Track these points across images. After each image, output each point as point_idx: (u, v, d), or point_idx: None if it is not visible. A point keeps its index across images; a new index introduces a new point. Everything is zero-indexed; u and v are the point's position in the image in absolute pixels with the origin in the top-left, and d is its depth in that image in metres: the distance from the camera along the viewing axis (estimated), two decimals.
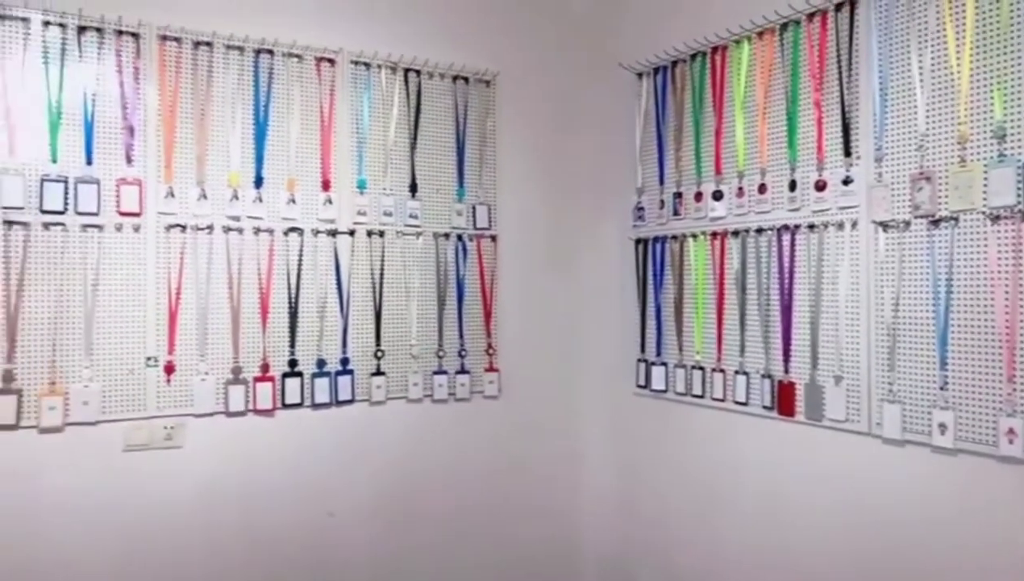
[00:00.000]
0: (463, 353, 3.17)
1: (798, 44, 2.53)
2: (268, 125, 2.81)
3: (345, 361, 2.92)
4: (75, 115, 2.50)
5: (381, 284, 3.00)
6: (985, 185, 2.01)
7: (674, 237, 3.01)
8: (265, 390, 2.77)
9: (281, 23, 2.84)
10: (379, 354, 2.99)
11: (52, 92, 2.47)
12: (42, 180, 2.44)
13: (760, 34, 2.65)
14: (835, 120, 2.41)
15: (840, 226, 2.38)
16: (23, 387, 2.41)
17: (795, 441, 2.52)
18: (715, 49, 2.83)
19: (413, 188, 3.07)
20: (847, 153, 2.37)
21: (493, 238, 3.25)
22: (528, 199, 3.36)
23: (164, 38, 2.64)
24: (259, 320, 2.77)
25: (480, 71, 3.23)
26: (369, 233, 2.98)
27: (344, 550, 2.93)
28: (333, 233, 2.91)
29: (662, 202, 3.06)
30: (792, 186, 2.54)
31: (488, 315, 3.23)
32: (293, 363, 2.82)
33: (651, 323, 3.12)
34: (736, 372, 2.73)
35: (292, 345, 2.83)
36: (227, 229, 2.73)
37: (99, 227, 2.52)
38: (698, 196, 2.90)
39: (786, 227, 2.56)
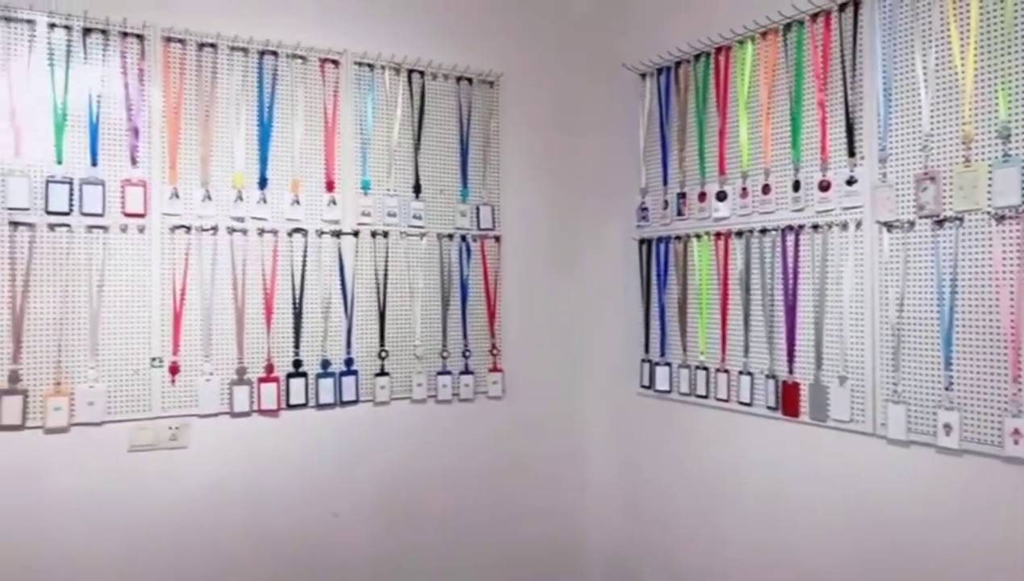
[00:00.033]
0: (467, 354, 3.17)
1: (802, 44, 2.53)
2: (272, 126, 2.81)
3: (349, 362, 2.92)
4: (80, 117, 2.51)
5: (385, 285, 3.01)
6: (990, 185, 2.01)
7: (678, 237, 3.01)
8: (269, 391, 2.77)
9: (285, 24, 2.84)
10: (383, 355, 2.99)
11: (57, 94, 2.48)
12: (47, 181, 2.45)
13: (764, 34, 2.65)
14: (839, 120, 2.40)
15: (844, 226, 2.38)
16: (29, 388, 2.42)
17: (799, 441, 2.52)
18: (719, 49, 2.83)
19: (417, 189, 3.08)
20: (851, 153, 2.36)
21: (497, 238, 3.26)
22: (532, 199, 3.37)
23: (168, 40, 2.64)
24: (263, 321, 2.78)
25: (484, 72, 3.23)
26: (373, 234, 2.99)
27: (348, 550, 2.93)
28: (337, 234, 2.92)
29: (666, 202, 3.06)
30: (796, 186, 2.53)
31: (492, 315, 3.24)
32: (297, 364, 2.83)
33: (655, 323, 3.12)
34: (740, 372, 2.73)
35: (296, 346, 2.83)
36: (231, 230, 2.73)
37: (104, 228, 2.53)
38: (702, 196, 2.90)
39: (790, 227, 2.56)
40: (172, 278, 2.63)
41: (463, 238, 3.17)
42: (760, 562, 2.66)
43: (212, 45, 2.72)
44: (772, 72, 2.63)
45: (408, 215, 3.05)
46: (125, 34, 2.58)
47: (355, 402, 2.93)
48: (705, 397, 2.88)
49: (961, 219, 2.07)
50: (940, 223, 2.12)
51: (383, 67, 3.02)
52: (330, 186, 2.90)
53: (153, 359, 2.60)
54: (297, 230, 2.84)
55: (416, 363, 3.07)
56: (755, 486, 2.69)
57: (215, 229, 2.70)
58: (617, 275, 3.35)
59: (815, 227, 2.47)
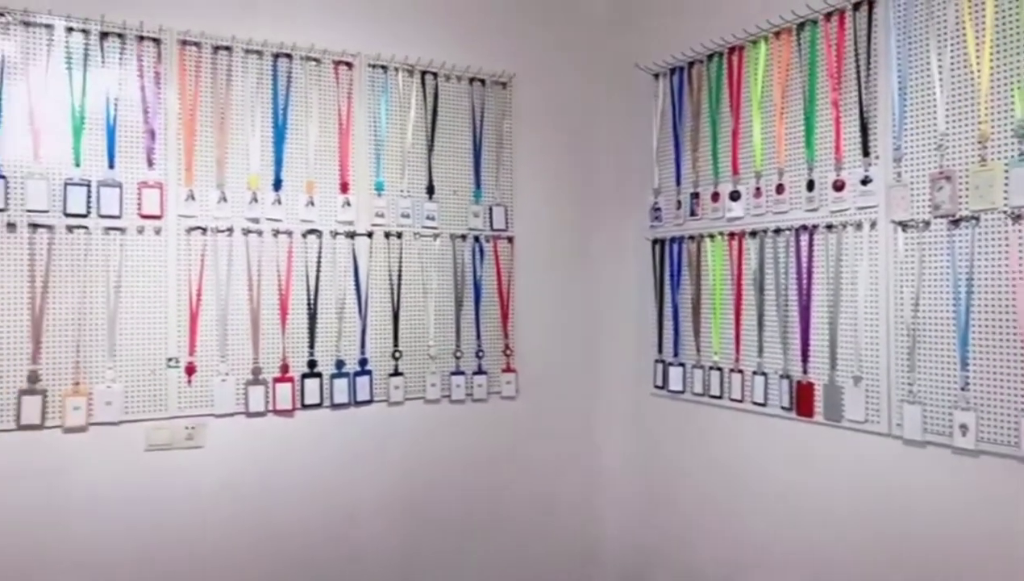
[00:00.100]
0: (480, 354, 3.18)
1: (815, 44, 2.52)
2: (287, 128, 2.83)
3: (364, 362, 2.94)
4: (97, 120, 2.54)
5: (399, 285, 3.02)
6: (1006, 184, 2.00)
7: (691, 237, 3.01)
8: (285, 391, 2.79)
9: (299, 27, 2.86)
10: (397, 355, 3.01)
11: (75, 97, 2.51)
12: (66, 183, 2.48)
13: (777, 34, 2.65)
14: (853, 120, 2.40)
15: (859, 226, 2.37)
16: (48, 388, 2.45)
17: (814, 442, 2.51)
18: (732, 49, 2.83)
19: (430, 190, 3.09)
20: (866, 153, 2.36)
21: (510, 239, 3.26)
22: (545, 200, 3.37)
23: (184, 43, 2.67)
24: (278, 321, 2.80)
25: (496, 73, 3.24)
26: (387, 235, 3.00)
27: (362, 548, 2.95)
28: (351, 235, 2.93)
29: (679, 202, 3.06)
30: (810, 186, 2.53)
31: (505, 316, 3.24)
32: (312, 364, 2.85)
33: (668, 324, 3.12)
34: (754, 373, 2.72)
35: (311, 346, 2.85)
36: (247, 231, 2.75)
37: (121, 230, 2.56)
38: (715, 196, 2.90)
39: (804, 227, 2.55)
40: (188, 279, 2.65)
41: (476, 239, 3.18)
42: (775, 563, 2.65)
43: (227, 48, 2.74)
44: (786, 72, 2.63)
45: (422, 216, 3.06)
46: (142, 38, 2.60)
47: (369, 402, 2.95)
48: (719, 397, 2.87)
49: (977, 218, 2.06)
50: (956, 223, 2.11)
51: (396, 69, 3.04)
52: (344, 187, 2.92)
53: (169, 359, 2.62)
54: (312, 231, 2.86)
55: (430, 363, 3.08)
56: (770, 487, 2.68)
57: (230, 230, 2.72)
58: (630, 275, 3.35)
59: (829, 227, 2.47)
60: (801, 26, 2.57)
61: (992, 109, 2.04)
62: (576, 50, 3.46)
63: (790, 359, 2.60)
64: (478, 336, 3.17)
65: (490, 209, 3.21)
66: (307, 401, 2.83)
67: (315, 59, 2.88)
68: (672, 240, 3.10)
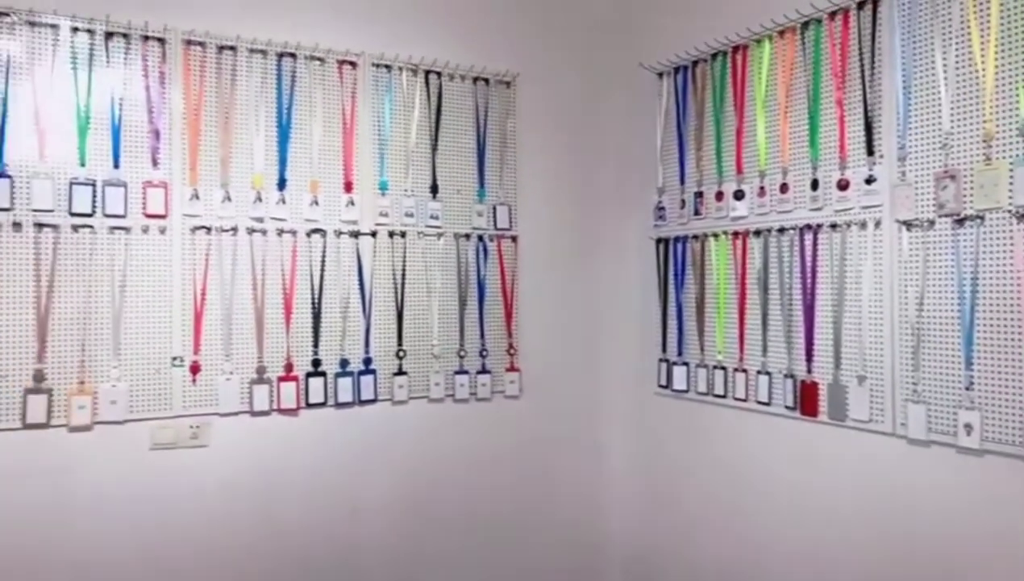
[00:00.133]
0: (484, 353, 3.18)
1: (820, 43, 2.52)
2: (291, 127, 2.83)
3: (368, 361, 2.94)
4: (103, 119, 2.55)
5: (403, 284, 3.02)
6: (1011, 183, 1.99)
7: (695, 237, 3.00)
8: (289, 390, 2.80)
9: (303, 27, 2.86)
10: (401, 354, 3.01)
11: (80, 97, 2.51)
12: (71, 183, 2.48)
13: (781, 33, 2.64)
14: (857, 119, 2.39)
15: (863, 225, 2.37)
16: (53, 387, 2.46)
17: (818, 441, 2.51)
18: (736, 48, 2.82)
19: (434, 189, 3.09)
20: (870, 152, 2.35)
21: (514, 238, 3.26)
22: (549, 199, 3.37)
23: (189, 43, 2.67)
24: (283, 320, 2.80)
25: (500, 72, 3.24)
26: (391, 234, 3.01)
27: (366, 547, 2.95)
28: (355, 234, 2.94)
29: (683, 202, 3.06)
30: (814, 185, 2.52)
31: (509, 315, 3.24)
32: (316, 363, 2.85)
33: (672, 323, 3.12)
34: (758, 372, 2.72)
35: (315, 345, 2.85)
36: (251, 230, 2.76)
37: (126, 229, 2.56)
38: (719, 196, 2.89)
39: (808, 226, 2.55)
40: (193, 278, 2.66)
41: (480, 238, 3.18)
42: (779, 562, 2.65)
43: (232, 48, 2.74)
44: (790, 71, 2.62)
45: (425, 215, 3.07)
46: (146, 37, 2.61)
47: (373, 401, 2.95)
48: (723, 397, 2.87)
49: (982, 218, 2.06)
50: (960, 222, 2.11)
51: (400, 68, 3.04)
52: (348, 187, 2.92)
53: (174, 358, 2.63)
54: (316, 230, 2.86)
55: (434, 362, 3.08)
56: (774, 486, 2.68)
57: (235, 230, 2.73)
58: (634, 275, 3.35)
59: (834, 226, 2.46)
60: (805, 25, 2.57)
61: (997, 108, 2.03)
62: (580, 49, 3.46)
63: (794, 358, 2.59)
64: (482, 335, 3.18)
65: (494, 208, 3.21)
66: (311, 400, 2.84)
67: (319, 59, 2.89)
68: (676, 239, 3.10)
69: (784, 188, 2.63)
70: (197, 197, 2.67)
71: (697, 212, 2.99)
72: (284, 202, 2.81)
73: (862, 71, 2.38)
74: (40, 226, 2.45)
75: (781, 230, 2.65)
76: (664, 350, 3.16)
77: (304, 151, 2.86)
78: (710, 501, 2.95)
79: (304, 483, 2.84)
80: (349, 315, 2.92)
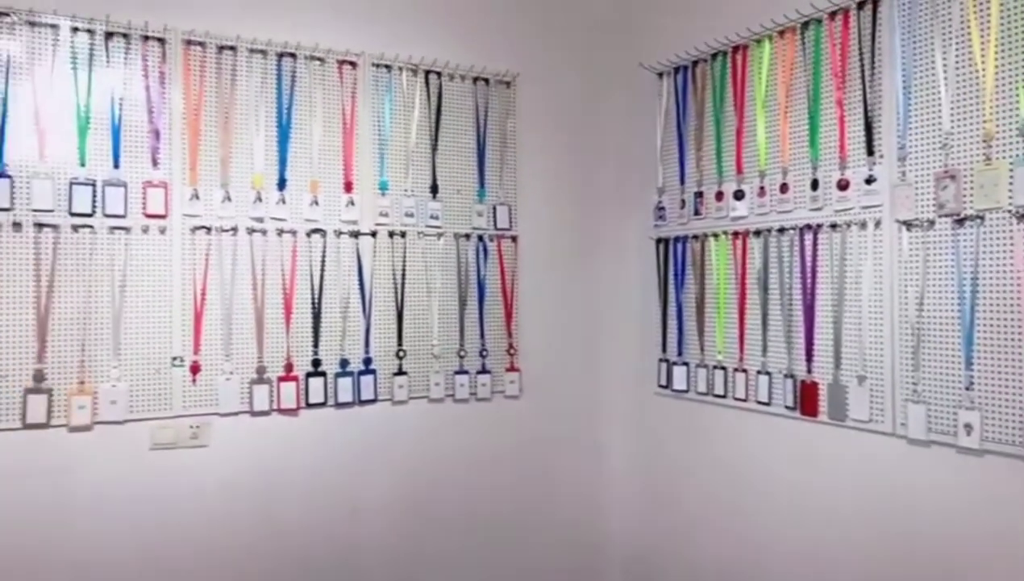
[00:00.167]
0: (484, 353, 3.18)
1: (820, 43, 2.52)
2: (291, 127, 2.83)
3: (368, 361, 2.94)
4: (103, 119, 2.55)
5: (403, 284, 3.02)
6: (1011, 183, 1.99)
7: (695, 237, 3.00)
8: (289, 390, 2.80)
9: (303, 27, 2.86)
10: (401, 354, 3.01)
11: (80, 97, 2.51)
12: (71, 183, 2.48)
13: (781, 33, 2.64)
14: (857, 119, 2.39)
15: (863, 225, 2.37)
16: (53, 387, 2.46)
17: (818, 441, 2.51)
18: (736, 48, 2.82)
19: (434, 189, 3.09)
20: (870, 152, 2.35)
21: (514, 238, 3.26)
22: (549, 199, 3.37)
23: (189, 43, 2.67)
24: (283, 320, 2.80)
25: (500, 72, 3.24)
26: (391, 234, 3.01)
27: (366, 547, 2.95)
28: (355, 234, 2.94)
29: (683, 202, 3.06)
30: (814, 185, 2.52)
31: (509, 315, 3.24)
32: (316, 363, 2.85)
33: (672, 323, 3.12)
34: (758, 372, 2.72)
35: (315, 345, 2.85)
36: (251, 230, 2.76)
37: (126, 229, 2.56)
38: (719, 196, 2.89)
39: (808, 226, 2.55)
40: (193, 278, 2.66)
41: (480, 238, 3.18)
42: (779, 562, 2.65)
43: (232, 48, 2.74)
44: (790, 71, 2.62)
45: (425, 215, 3.07)
46: (147, 37, 2.61)
47: (373, 401, 2.95)
48: (723, 397, 2.87)
49: (982, 218, 2.06)
50: (960, 222, 2.11)
51: (400, 68, 3.04)
52: (348, 187, 2.92)
53: (174, 358, 2.63)
54: (316, 230, 2.86)
55: (434, 362, 3.08)
56: (774, 486, 2.68)
57: (235, 230, 2.73)
58: (634, 275, 3.35)
59: (833, 226, 2.46)
60: (805, 25, 2.57)
61: (997, 108, 2.03)
62: (580, 49, 3.46)
63: (794, 358, 2.59)
64: (482, 335, 3.18)
65: (494, 208, 3.21)
66: (311, 400, 2.84)
67: (319, 59, 2.89)
68: (676, 239, 3.10)
69: (784, 188, 2.63)
70: (197, 197, 2.67)
71: (697, 212, 2.99)
72: (284, 202, 2.81)
73: (862, 71, 2.38)
74: (40, 226, 2.45)
75: (781, 230, 2.65)
76: (664, 350, 3.16)
77: (304, 151, 2.86)
78: (710, 501, 2.95)
79: (304, 483, 2.84)
80: (349, 315, 2.92)
